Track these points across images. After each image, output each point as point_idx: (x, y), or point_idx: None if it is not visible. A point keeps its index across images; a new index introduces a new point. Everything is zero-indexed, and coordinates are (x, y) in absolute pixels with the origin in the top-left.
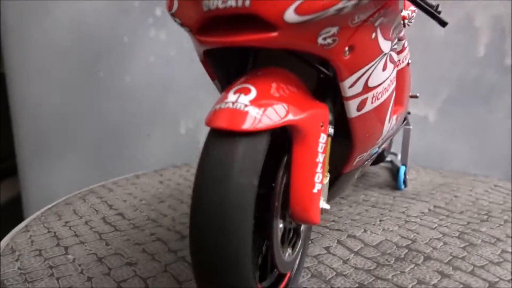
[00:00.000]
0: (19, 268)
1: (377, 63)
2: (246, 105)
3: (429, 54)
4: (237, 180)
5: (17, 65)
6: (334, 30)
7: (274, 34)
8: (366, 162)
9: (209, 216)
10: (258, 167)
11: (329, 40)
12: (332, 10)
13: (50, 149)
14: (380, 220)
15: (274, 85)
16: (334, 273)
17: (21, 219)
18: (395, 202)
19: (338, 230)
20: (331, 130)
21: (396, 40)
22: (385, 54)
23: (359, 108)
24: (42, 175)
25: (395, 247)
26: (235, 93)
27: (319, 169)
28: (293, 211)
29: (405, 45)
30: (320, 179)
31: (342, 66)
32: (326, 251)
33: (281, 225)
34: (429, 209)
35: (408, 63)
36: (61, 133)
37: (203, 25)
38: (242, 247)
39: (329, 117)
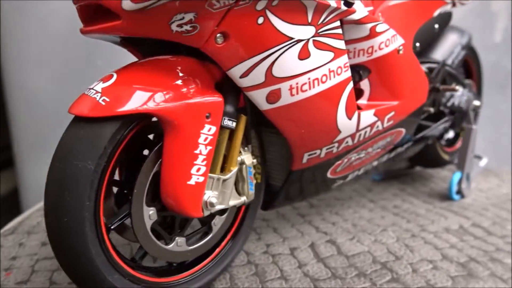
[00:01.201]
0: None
1: (281, 50)
2: (97, 92)
3: None
4: (71, 163)
5: (13, 56)
6: (190, 16)
7: (118, 22)
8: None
9: (50, 194)
10: (98, 152)
11: (187, 27)
12: None
13: (48, 141)
14: (383, 230)
15: (142, 73)
16: (277, 276)
17: (18, 212)
18: (428, 213)
19: (324, 232)
20: (227, 122)
21: (336, 24)
22: (299, 40)
23: (270, 100)
24: (40, 167)
25: (370, 261)
26: (98, 80)
27: (199, 161)
28: (165, 201)
29: (379, 30)
30: (203, 172)
31: (217, 54)
32: (289, 252)
33: (151, 212)
34: (461, 227)
35: (397, 50)
36: (59, 124)
37: (88, 15)
38: (73, 225)
39: (228, 108)
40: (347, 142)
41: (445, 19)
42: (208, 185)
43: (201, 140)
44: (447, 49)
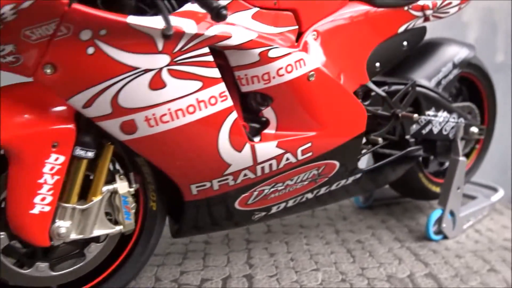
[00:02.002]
0: None
1: (125, 80)
2: None
3: None
4: None
5: None
6: (10, 48)
7: None
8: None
9: None
10: None
11: (10, 58)
12: None
13: None
14: (315, 270)
15: None
16: None
17: None
18: (386, 254)
19: (251, 265)
20: (79, 152)
21: (202, 50)
22: (147, 70)
23: (126, 131)
24: None
25: None
26: None
27: (44, 191)
28: (12, 228)
29: (273, 55)
30: (49, 201)
31: (50, 85)
32: (197, 284)
33: (2, 237)
34: (411, 275)
35: (307, 76)
36: None
37: None
38: None
39: (82, 137)
40: (246, 175)
41: (416, 34)
42: (60, 215)
43: (46, 169)
44: (430, 68)
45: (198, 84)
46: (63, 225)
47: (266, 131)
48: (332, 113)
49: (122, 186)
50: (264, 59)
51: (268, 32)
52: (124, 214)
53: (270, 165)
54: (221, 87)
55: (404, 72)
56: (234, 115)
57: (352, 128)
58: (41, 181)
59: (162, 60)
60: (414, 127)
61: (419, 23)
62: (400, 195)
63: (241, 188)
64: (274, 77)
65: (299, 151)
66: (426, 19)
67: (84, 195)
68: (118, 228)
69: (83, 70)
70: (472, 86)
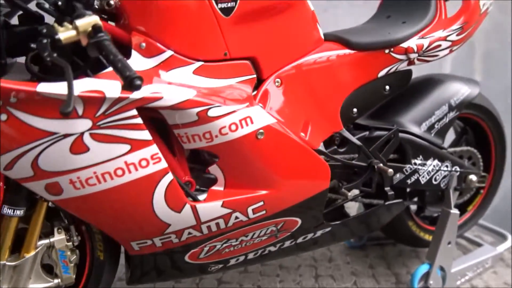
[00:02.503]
0: None
1: (44, 145)
2: None
3: None
4: None
5: None
6: None
7: None
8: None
9: None
10: None
11: None
12: None
13: None
14: None
15: None
16: None
17: None
18: None
19: None
20: (7, 211)
21: (130, 113)
22: (66, 135)
23: (52, 193)
24: None
25: None
26: None
27: None
28: None
29: (213, 114)
30: None
31: None
32: None
33: None
34: None
35: (255, 134)
36: None
37: None
38: None
39: (10, 196)
40: (190, 233)
41: (400, 78)
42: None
43: None
44: (421, 110)
45: (126, 147)
46: None
47: (214, 187)
48: (287, 171)
49: (59, 240)
50: (204, 118)
51: (214, 87)
52: (62, 268)
53: (217, 223)
54: (153, 149)
55: (391, 115)
56: (169, 177)
57: (312, 185)
58: None
59: (83, 124)
60: (398, 176)
61: (403, 66)
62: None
63: (187, 244)
64: (216, 136)
65: (249, 210)
66: (411, 62)
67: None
68: (56, 281)
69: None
70: (478, 126)
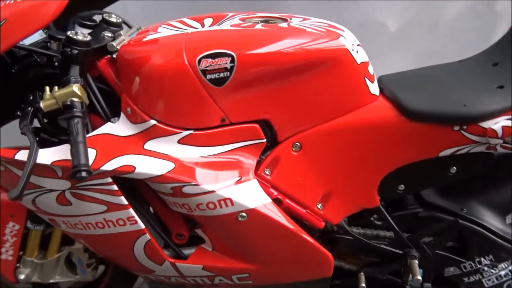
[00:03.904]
0: None
1: (38, 192)
2: None
3: (434, 40)
4: None
5: None
6: None
7: None
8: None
9: None
10: None
11: None
12: None
13: None
14: None
15: None
16: None
17: None
18: None
19: None
20: (30, 225)
21: (104, 180)
22: (51, 189)
23: (55, 224)
24: None
25: None
26: None
27: (7, 245)
28: None
29: (188, 191)
30: (11, 254)
31: None
32: None
33: None
34: None
35: (235, 216)
36: None
37: None
38: None
39: (32, 214)
40: (177, 279)
41: (475, 161)
42: (23, 263)
43: (7, 231)
44: (507, 196)
45: (103, 207)
46: (23, 271)
47: (203, 245)
48: (274, 255)
49: (77, 249)
50: (178, 193)
51: (202, 157)
52: (80, 270)
53: (202, 280)
54: (129, 212)
55: (464, 194)
56: (145, 237)
57: (308, 271)
58: (5, 238)
59: (63, 184)
60: (452, 270)
61: (478, 149)
62: None
63: (183, 284)
64: (195, 209)
65: (233, 277)
66: (491, 147)
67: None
68: (76, 277)
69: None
70: None
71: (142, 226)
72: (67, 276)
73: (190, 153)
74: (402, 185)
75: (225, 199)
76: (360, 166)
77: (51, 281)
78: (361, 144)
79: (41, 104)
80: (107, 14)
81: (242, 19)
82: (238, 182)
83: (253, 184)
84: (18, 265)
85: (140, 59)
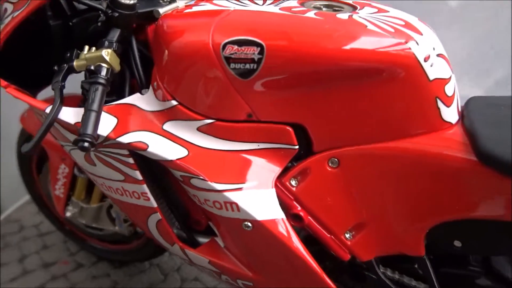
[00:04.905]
0: None
1: (69, 148)
2: None
3: (496, 22)
4: None
5: None
6: None
7: None
8: None
9: None
10: None
11: None
12: None
13: None
14: None
15: None
16: None
17: None
18: None
19: None
20: (76, 172)
21: (121, 151)
22: None
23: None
24: None
25: None
26: None
27: (60, 184)
28: None
29: (195, 183)
30: (62, 192)
31: None
32: None
33: None
34: None
35: (240, 221)
36: None
37: None
38: None
39: None
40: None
41: None
42: (72, 203)
43: (59, 171)
44: None
45: (121, 176)
46: (70, 210)
47: (216, 238)
48: (277, 272)
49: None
50: (187, 183)
51: (219, 150)
52: (117, 223)
53: (210, 272)
54: (142, 188)
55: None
56: (157, 216)
57: None
58: (58, 177)
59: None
60: None
61: None
62: None
63: None
64: (203, 203)
65: (239, 282)
66: None
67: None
68: (116, 228)
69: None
70: None
71: (155, 204)
72: (107, 225)
73: (208, 144)
74: (459, 242)
75: (231, 203)
76: (408, 203)
77: (94, 225)
78: (415, 178)
79: (74, 63)
80: None
81: (301, 2)
82: (251, 187)
83: (269, 194)
84: (68, 203)
85: (171, 33)
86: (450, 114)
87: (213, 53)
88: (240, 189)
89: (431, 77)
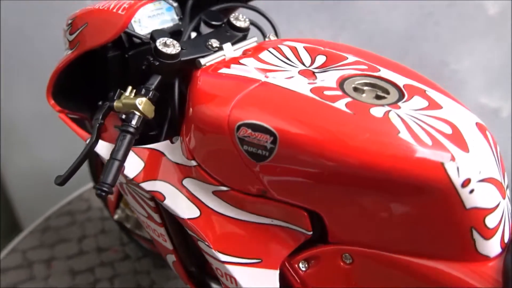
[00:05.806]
0: None
1: None
2: None
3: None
4: None
5: None
6: None
7: None
8: None
9: None
10: None
11: None
12: None
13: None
14: None
15: None
16: None
17: None
18: None
19: None
20: None
21: (147, 194)
22: None
23: None
24: None
25: None
26: None
27: None
28: None
29: (204, 248)
30: (113, 195)
31: None
32: None
33: None
34: None
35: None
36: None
37: None
38: None
39: None
40: None
41: None
42: (120, 208)
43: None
44: None
45: (145, 213)
46: (118, 213)
47: None
48: None
49: None
50: (196, 241)
51: (231, 217)
52: None
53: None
54: (161, 230)
55: None
56: (172, 257)
57: None
58: None
59: (121, 177)
60: None
61: None
62: None
63: None
64: (209, 263)
65: None
66: None
67: None
68: None
69: None
70: None
71: (171, 247)
72: (148, 235)
73: (222, 209)
74: None
75: (231, 276)
76: None
77: (137, 232)
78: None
79: (114, 104)
80: (234, 15)
81: (343, 78)
82: (255, 264)
83: (271, 275)
84: (118, 206)
85: (200, 94)
86: (489, 247)
87: (227, 131)
88: (242, 264)
89: (468, 206)
